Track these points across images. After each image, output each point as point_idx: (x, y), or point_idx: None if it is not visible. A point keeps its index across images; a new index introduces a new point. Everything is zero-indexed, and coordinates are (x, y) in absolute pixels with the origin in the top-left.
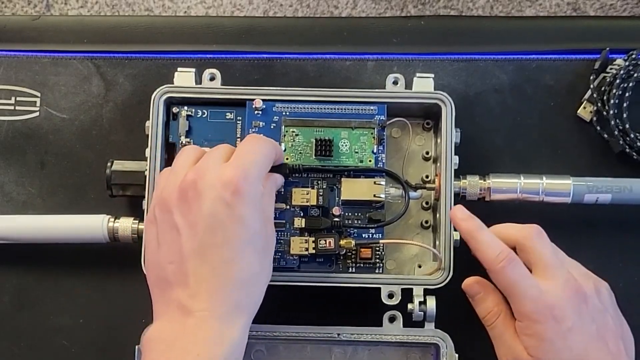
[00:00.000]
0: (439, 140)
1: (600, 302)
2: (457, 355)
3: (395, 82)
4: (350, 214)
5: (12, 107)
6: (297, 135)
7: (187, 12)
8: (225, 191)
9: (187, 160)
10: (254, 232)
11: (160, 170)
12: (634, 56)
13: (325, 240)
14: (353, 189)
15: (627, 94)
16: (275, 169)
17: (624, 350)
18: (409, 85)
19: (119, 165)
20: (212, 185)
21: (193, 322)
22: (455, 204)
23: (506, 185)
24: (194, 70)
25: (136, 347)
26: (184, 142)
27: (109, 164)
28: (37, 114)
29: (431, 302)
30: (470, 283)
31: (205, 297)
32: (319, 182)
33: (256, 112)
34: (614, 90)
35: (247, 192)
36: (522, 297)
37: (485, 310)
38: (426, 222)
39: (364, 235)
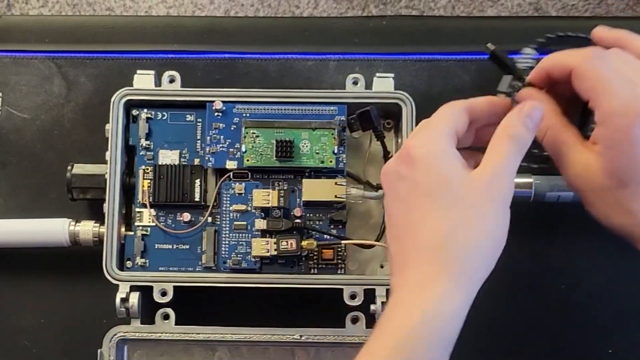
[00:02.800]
0: (399, 140)
1: None
2: None
3: (355, 83)
4: (311, 214)
5: None
6: (257, 136)
7: (148, 11)
8: (401, 166)
9: None
10: (432, 192)
11: (121, 174)
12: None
13: (287, 242)
14: (314, 190)
15: None
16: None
17: None
18: (370, 85)
19: (79, 168)
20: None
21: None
22: None
23: None
24: (153, 72)
25: (99, 350)
26: (144, 144)
27: (69, 168)
28: None
29: None
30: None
31: (415, 271)
32: (280, 183)
33: (216, 114)
34: None
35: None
36: (613, 92)
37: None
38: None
39: (325, 236)
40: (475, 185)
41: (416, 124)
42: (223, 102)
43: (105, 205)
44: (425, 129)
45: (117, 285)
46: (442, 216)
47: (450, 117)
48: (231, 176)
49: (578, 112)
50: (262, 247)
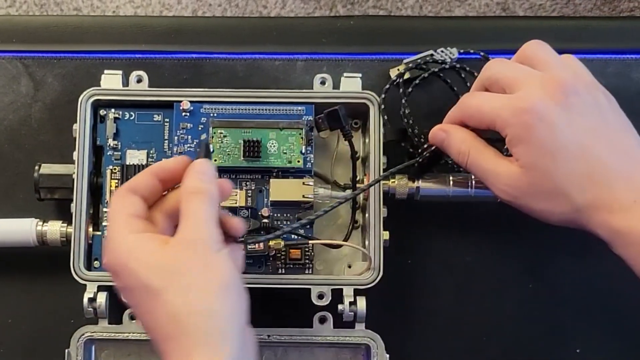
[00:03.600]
0: (367, 140)
1: (593, 99)
2: (388, 355)
3: (322, 82)
4: (279, 214)
5: None
6: (225, 136)
7: (115, 11)
8: (113, 277)
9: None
10: (142, 286)
11: (89, 174)
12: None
13: (255, 242)
14: (282, 190)
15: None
16: None
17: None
18: (338, 85)
19: (47, 168)
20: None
21: None
22: (384, 204)
23: (435, 185)
24: (121, 72)
25: (66, 350)
26: (111, 144)
27: (37, 168)
28: None
29: (361, 303)
30: (433, 133)
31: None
32: (248, 183)
33: (184, 113)
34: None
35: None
36: (496, 114)
37: (456, 151)
38: (356, 222)
39: (292, 236)
40: (179, 251)
41: (384, 125)
42: (191, 102)
43: (73, 205)
44: (108, 232)
45: (85, 285)
46: (168, 302)
47: (119, 205)
48: None
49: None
50: None
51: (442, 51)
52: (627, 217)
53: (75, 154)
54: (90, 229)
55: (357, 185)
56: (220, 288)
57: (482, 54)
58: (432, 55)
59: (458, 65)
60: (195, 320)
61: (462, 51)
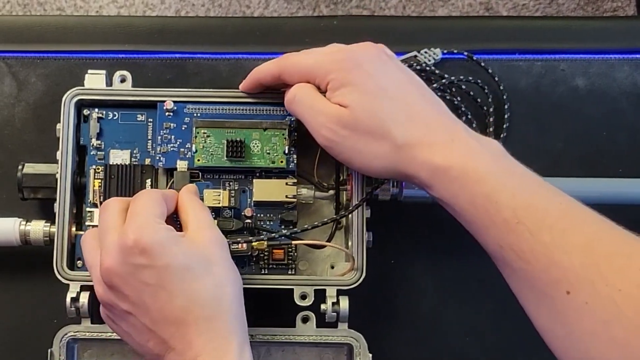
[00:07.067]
0: None
1: (397, 65)
2: (370, 355)
3: None
4: (262, 215)
5: None
6: (208, 136)
7: (99, 11)
8: (135, 257)
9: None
10: (186, 266)
11: (72, 174)
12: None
13: (237, 242)
14: (265, 190)
15: None
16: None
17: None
18: None
19: (30, 168)
20: (121, 262)
21: None
22: (367, 205)
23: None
24: (104, 72)
25: (49, 350)
26: (95, 144)
27: (20, 167)
28: None
29: (344, 303)
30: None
31: (195, 345)
32: (231, 183)
33: (167, 113)
34: None
35: (152, 244)
36: (317, 66)
37: (290, 95)
38: (339, 222)
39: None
40: (201, 246)
41: None
42: (174, 101)
43: (56, 205)
44: (136, 218)
45: (68, 284)
46: (203, 283)
47: (152, 202)
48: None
49: None
50: None
51: (425, 52)
52: (447, 153)
53: (58, 153)
54: (74, 229)
55: (340, 187)
56: (239, 277)
57: (466, 54)
58: (415, 56)
59: (437, 71)
60: (229, 302)
61: (445, 51)
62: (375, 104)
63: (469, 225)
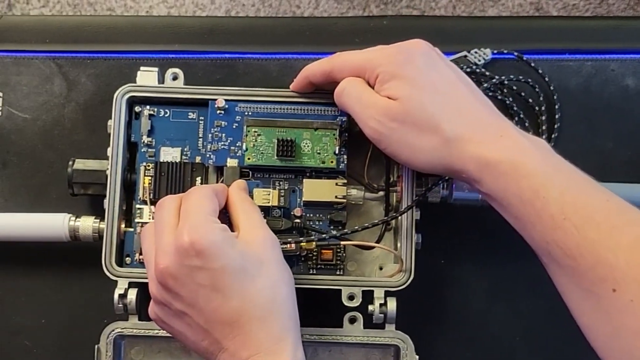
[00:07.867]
0: None
1: (450, 66)
2: (417, 356)
3: None
4: (311, 215)
5: None
6: (259, 135)
7: (149, 11)
8: (191, 259)
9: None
10: (241, 267)
11: (122, 170)
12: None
13: (286, 242)
14: (315, 190)
15: None
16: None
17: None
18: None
19: (80, 164)
20: (176, 264)
21: None
22: (417, 207)
23: (468, 187)
24: (156, 69)
25: (96, 346)
26: (145, 141)
27: (70, 163)
28: None
29: (392, 304)
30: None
31: (249, 345)
32: (281, 182)
33: (218, 112)
34: None
35: (209, 246)
36: (366, 59)
37: (340, 88)
38: (388, 224)
39: (325, 237)
40: (254, 246)
41: None
42: (226, 100)
43: (106, 201)
44: (190, 217)
45: (116, 281)
46: (258, 283)
47: (206, 200)
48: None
49: None
50: None
51: (475, 52)
52: (497, 147)
53: (109, 149)
54: (123, 225)
55: (390, 188)
56: (291, 277)
57: (516, 54)
58: (465, 56)
59: (487, 73)
60: (283, 302)
61: (495, 51)
62: (425, 97)
63: (516, 221)
